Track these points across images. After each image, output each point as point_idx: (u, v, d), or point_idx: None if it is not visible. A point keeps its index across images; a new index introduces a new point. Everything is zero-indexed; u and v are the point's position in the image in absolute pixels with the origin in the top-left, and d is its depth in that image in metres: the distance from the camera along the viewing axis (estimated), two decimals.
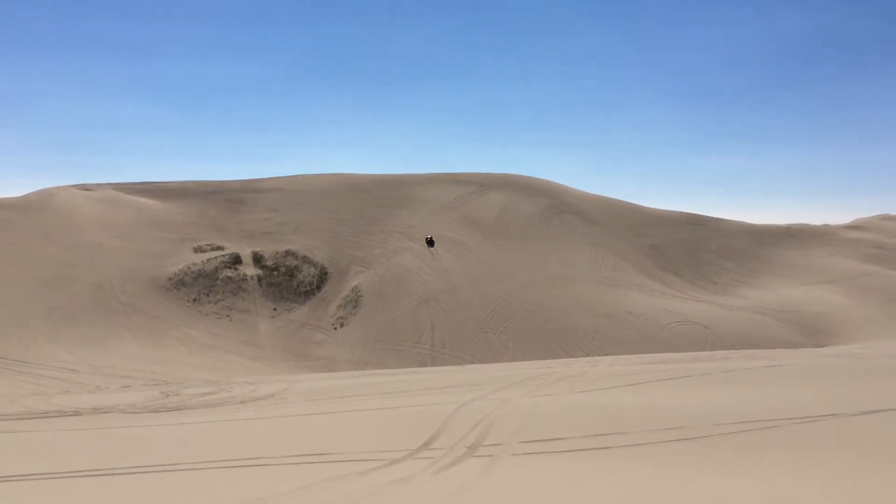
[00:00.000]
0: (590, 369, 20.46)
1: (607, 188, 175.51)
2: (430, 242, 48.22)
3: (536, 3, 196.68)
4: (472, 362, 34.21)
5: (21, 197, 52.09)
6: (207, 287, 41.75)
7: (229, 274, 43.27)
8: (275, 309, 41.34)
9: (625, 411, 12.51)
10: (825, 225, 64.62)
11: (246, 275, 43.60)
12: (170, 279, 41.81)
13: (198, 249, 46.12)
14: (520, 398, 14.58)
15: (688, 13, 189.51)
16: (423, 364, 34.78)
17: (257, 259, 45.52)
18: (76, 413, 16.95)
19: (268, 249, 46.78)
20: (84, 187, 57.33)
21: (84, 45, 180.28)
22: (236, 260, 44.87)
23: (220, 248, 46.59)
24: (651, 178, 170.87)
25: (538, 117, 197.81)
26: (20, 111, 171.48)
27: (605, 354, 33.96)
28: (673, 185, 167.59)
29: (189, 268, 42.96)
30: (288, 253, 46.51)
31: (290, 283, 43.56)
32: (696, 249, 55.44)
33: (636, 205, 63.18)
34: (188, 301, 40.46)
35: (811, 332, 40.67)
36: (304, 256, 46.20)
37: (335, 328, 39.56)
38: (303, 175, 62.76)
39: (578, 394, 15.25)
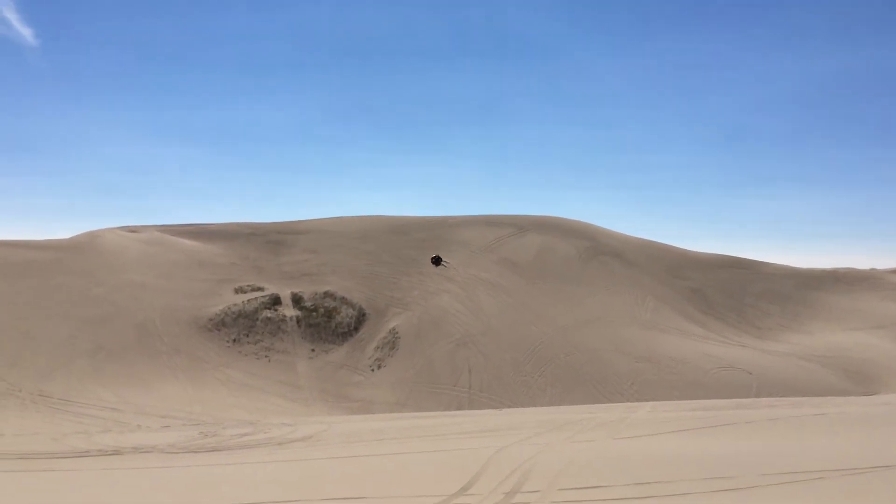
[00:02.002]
0: (630, 415, 20.09)
1: (646, 230, 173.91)
2: (437, 261, 48.54)
3: (570, 46, 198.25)
4: (509, 406, 33.84)
5: (70, 238, 53.55)
6: (247, 328, 42.17)
7: (269, 315, 43.69)
8: (313, 350, 41.52)
9: (667, 459, 12.22)
10: (872, 269, 63.08)
11: (285, 316, 43.97)
12: (211, 319, 42.35)
13: (238, 290, 46.74)
14: (559, 443, 14.36)
15: (725, 55, 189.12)
16: (460, 407, 34.50)
17: (296, 300, 45.93)
18: (117, 452, 17.14)
19: (307, 290, 47.19)
20: (130, 229, 58.76)
21: (130, 92, 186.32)
22: (276, 301, 45.33)
23: (260, 288, 47.15)
24: (690, 221, 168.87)
25: (575, 159, 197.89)
26: (70, 157, 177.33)
27: (645, 400, 33.34)
28: (713, 227, 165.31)
29: (230, 308, 43.50)
30: (326, 294, 46.85)
31: (328, 324, 43.79)
32: (739, 293, 54.46)
33: (675, 247, 62.51)
34: (228, 341, 40.88)
35: (859, 378, 39.47)
36: (343, 298, 46.48)
37: (373, 370, 39.54)
38: (341, 217, 63.53)
39: (619, 440, 14.97)
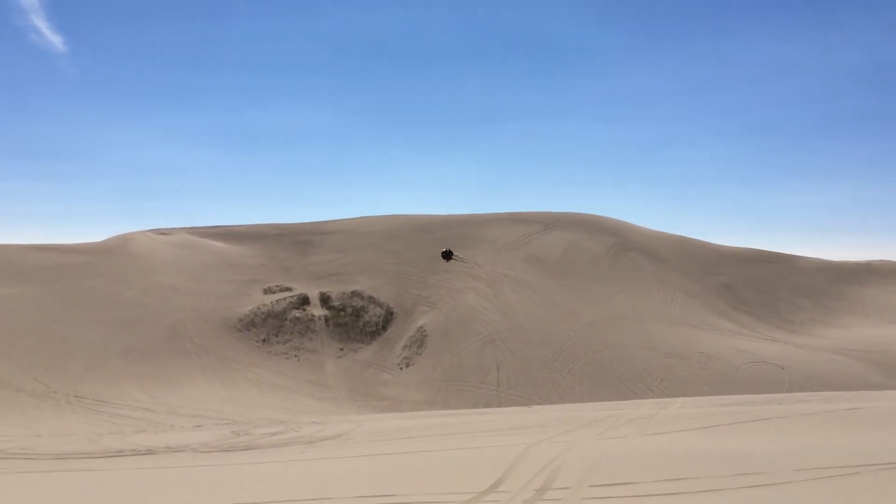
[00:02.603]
0: (660, 411, 19.93)
1: (675, 225, 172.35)
2: (448, 255, 48.87)
3: (593, 44, 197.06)
4: (538, 403, 33.75)
5: (101, 242, 54.42)
6: (276, 328, 42.54)
7: (297, 315, 44.03)
8: (341, 349, 41.77)
9: (698, 455, 12.11)
10: None
11: (313, 315, 44.28)
12: (240, 320, 42.79)
13: (267, 291, 47.16)
14: (588, 440, 14.29)
15: (750, 47, 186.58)
16: (488, 404, 34.48)
17: (324, 300, 46.23)
18: (150, 452, 17.39)
19: (334, 290, 47.48)
20: (160, 231, 59.56)
21: (159, 97, 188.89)
22: (304, 301, 45.66)
23: (288, 289, 47.53)
24: (720, 215, 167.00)
25: (602, 155, 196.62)
26: (101, 161, 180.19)
27: (675, 396, 33.05)
28: (743, 221, 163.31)
29: (259, 309, 43.91)
30: (354, 293, 47.10)
31: (356, 323, 44.02)
32: (770, 287, 53.76)
33: (705, 242, 61.88)
34: (258, 342, 41.27)
35: (895, 372, 38.74)
36: (370, 297, 46.69)
37: (401, 368, 39.67)
38: (368, 216, 63.81)
39: (649, 436, 14.86)
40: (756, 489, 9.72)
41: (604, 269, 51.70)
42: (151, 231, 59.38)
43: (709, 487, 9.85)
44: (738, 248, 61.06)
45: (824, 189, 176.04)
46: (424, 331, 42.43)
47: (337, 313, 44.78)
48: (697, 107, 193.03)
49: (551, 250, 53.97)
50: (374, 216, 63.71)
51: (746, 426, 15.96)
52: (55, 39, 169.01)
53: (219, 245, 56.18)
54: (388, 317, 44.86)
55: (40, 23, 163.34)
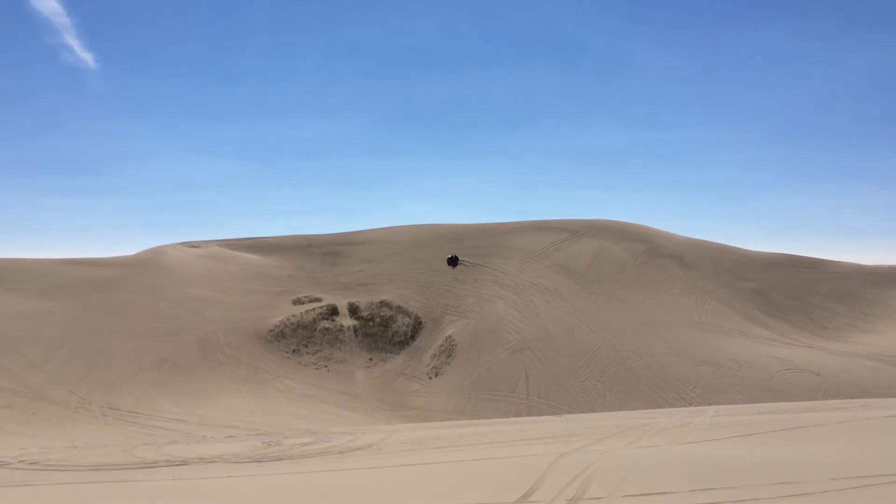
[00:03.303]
0: (694, 419, 19.69)
1: (704, 231, 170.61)
2: (453, 261, 49.05)
3: (619, 46, 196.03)
4: (568, 412, 33.52)
5: (133, 255, 55.24)
6: (306, 338, 42.80)
7: (326, 325, 44.26)
8: (370, 359, 41.88)
9: (734, 464, 11.94)
10: None
11: (342, 326, 44.48)
12: (270, 331, 43.12)
13: (296, 301, 47.51)
14: (621, 449, 14.16)
15: (782, 49, 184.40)
16: (518, 413, 34.33)
17: (353, 310, 46.43)
18: (184, 462, 17.55)
19: (363, 300, 47.69)
20: (191, 244, 60.34)
21: (188, 111, 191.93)
22: (333, 311, 45.90)
23: (317, 299, 47.83)
24: (751, 220, 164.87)
25: (630, 161, 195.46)
26: (132, 176, 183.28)
27: (708, 404, 32.64)
28: (775, 226, 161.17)
29: (288, 319, 44.22)
30: (383, 303, 47.25)
31: (385, 333, 44.13)
32: (804, 293, 52.93)
33: (735, 247, 61.13)
34: (288, 352, 41.54)
35: None
36: (399, 307, 46.80)
37: (430, 378, 39.67)
38: (395, 227, 64.06)
39: (683, 445, 14.68)
40: (793, 498, 9.55)
41: (633, 277, 51.30)
42: (183, 244, 60.18)
43: (745, 497, 9.70)
44: (769, 253, 60.24)
45: (857, 192, 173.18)
46: (453, 340, 42.40)
47: (366, 323, 44.94)
48: (726, 109, 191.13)
49: (579, 258, 53.69)
50: (401, 226, 63.96)
51: (782, 434, 15.71)
52: (86, 57, 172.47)
53: (249, 257, 56.75)
54: (417, 326, 44.92)
55: (72, 41, 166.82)
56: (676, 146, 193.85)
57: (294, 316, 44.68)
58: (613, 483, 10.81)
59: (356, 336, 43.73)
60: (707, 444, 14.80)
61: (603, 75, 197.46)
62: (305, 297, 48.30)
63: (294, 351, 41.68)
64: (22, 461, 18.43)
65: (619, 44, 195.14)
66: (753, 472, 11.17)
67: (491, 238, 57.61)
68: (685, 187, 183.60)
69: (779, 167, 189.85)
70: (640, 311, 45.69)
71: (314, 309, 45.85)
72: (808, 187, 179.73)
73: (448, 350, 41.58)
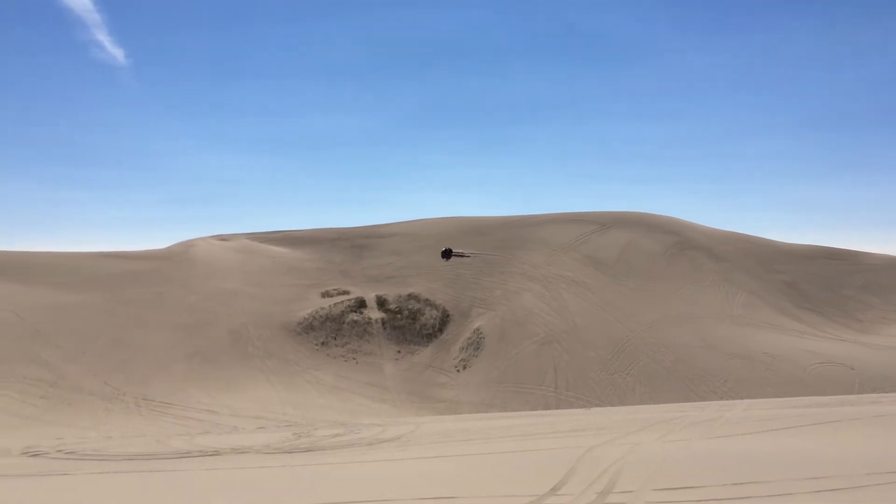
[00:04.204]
0: (725, 413, 19.52)
1: (734, 223, 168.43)
2: (447, 254, 49.25)
3: (646, 38, 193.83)
4: (597, 405, 33.40)
5: (165, 249, 56.00)
6: (335, 331, 43.08)
7: (355, 318, 44.50)
8: (399, 351, 42.05)
9: (766, 459, 11.82)
10: None
11: (371, 318, 44.70)
12: (299, 323, 43.47)
13: (325, 294, 47.82)
14: (650, 443, 14.09)
15: (814, 39, 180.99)
16: (547, 406, 34.27)
17: (381, 303, 46.63)
18: (216, 453, 17.81)
19: (391, 293, 47.86)
20: (221, 238, 60.98)
21: (216, 105, 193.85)
22: (361, 304, 46.14)
23: (346, 292, 48.10)
24: (782, 211, 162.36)
25: (659, 153, 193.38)
26: (162, 169, 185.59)
27: (739, 398, 32.31)
28: (806, 217, 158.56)
29: (317, 312, 44.54)
30: (410, 296, 47.39)
31: (413, 325, 44.27)
32: (837, 285, 52.09)
33: (767, 239, 60.31)
34: (317, 344, 41.86)
35: None
36: (427, 299, 46.90)
37: (458, 370, 39.73)
38: (422, 219, 64.13)
39: (714, 439, 14.56)
40: (828, 493, 9.44)
41: (662, 269, 50.87)
42: (213, 237, 60.86)
43: (778, 492, 9.60)
44: (801, 244, 59.38)
45: (893, 182, 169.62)
46: (481, 333, 42.41)
47: (394, 316, 45.12)
48: (758, 99, 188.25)
49: (608, 250, 53.35)
50: (429, 219, 64.01)
51: (816, 428, 15.51)
52: (116, 53, 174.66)
53: (278, 250, 57.22)
54: (445, 319, 44.99)
55: (102, 37, 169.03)
56: (706, 136, 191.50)
57: (323, 308, 45.00)
58: (643, 477, 10.77)
59: (384, 328, 43.93)
60: (738, 438, 14.66)
61: (631, 66, 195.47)
62: (334, 289, 48.61)
63: (323, 343, 41.99)
64: (59, 451, 18.84)
65: (646, 33, 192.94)
66: (786, 466, 11.05)
67: (518, 230, 57.45)
68: (715, 179, 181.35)
69: (812, 157, 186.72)
70: (670, 303, 45.31)
71: (343, 301, 46.12)
72: (841, 177, 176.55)
73: (476, 343, 41.60)
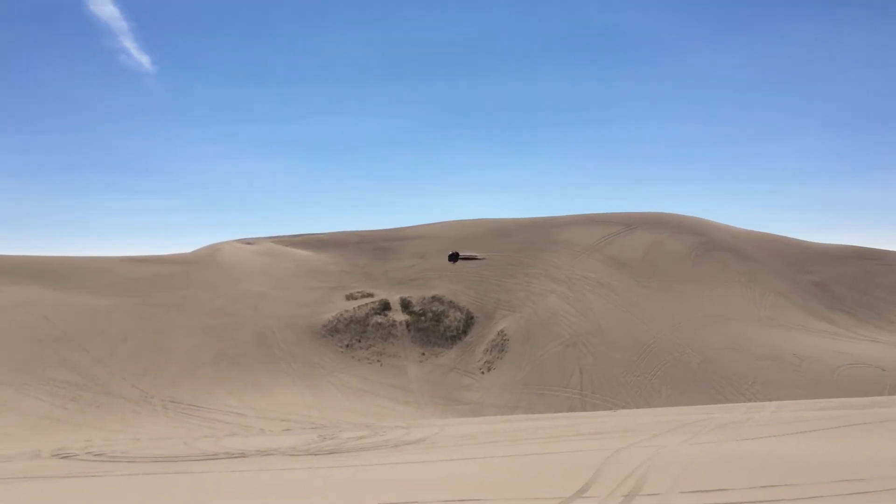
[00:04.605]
0: (753, 415, 19.28)
1: (762, 223, 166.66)
2: (454, 257, 49.38)
3: (670, 33, 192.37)
4: (623, 407, 33.16)
5: (191, 253, 56.61)
6: (359, 333, 43.23)
7: (379, 320, 44.62)
8: (423, 354, 42.09)
9: (795, 461, 11.65)
10: None
11: (395, 321, 44.80)
12: (324, 326, 43.68)
13: (349, 297, 48.02)
14: (677, 445, 13.95)
15: (843, 34, 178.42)
16: (572, 408, 34.10)
17: (405, 305, 46.71)
18: (242, 455, 17.93)
19: (415, 295, 47.93)
20: (246, 241, 61.52)
21: (241, 110, 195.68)
22: (385, 306, 46.25)
23: (370, 294, 48.26)
24: (811, 211, 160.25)
25: (684, 153, 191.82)
26: (189, 174, 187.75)
27: (768, 400, 31.90)
28: (836, 217, 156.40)
29: (342, 315, 44.73)
30: (434, 298, 47.41)
31: (437, 328, 44.29)
32: (868, 285, 51.26)
33: (795, 239, 59.56)
34: (341, 347, 42.03)
35: None
36: (450, 301, 46.90)
37: (482, 372, 39.67)
38: (446, 221, 64.19)
39: (742, 441, 14.39)
40: (858, 496, 9.28)
41: (688, 270, 50.43)
42: (238, 241, 61.42)
43: (807, 495, 9.45)
44: (830, 244, 58.55)
45: None
46: (505, 335, 42.32)
47: (418, 318, 45.18)
48: (784, 97, 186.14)
49: (633, 251, 53.00)
50: (452, 221, 64.06)
51: (846, 430, 15.26)
52: (143, 59, 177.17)
53: (302, 253, 57.58)
54: (469, 321, 44.96)
55: (129, 44, 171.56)
56: (733, 136, 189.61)
57: (347, 311, 45.18)
58: (670, 479, 10.66)
59: (408, 331, 43.99)
60: (767, 440, 14.47)
61: (655, 65, 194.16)
62: (358, 292, 48.79)
63: (347, 346, 42.15)
64: (88, 452, 19.08)
65: (670, 32, 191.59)
66: (815, 469, 10.89)
67: (542, 232, 57.27)
68: (742, 178, 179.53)
69: (841, 156, 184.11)
70: (696, 305, 44.89)
71: (367, 304, 46.27)
72: (872, 176, 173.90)
73: (500, 345, 41.51)
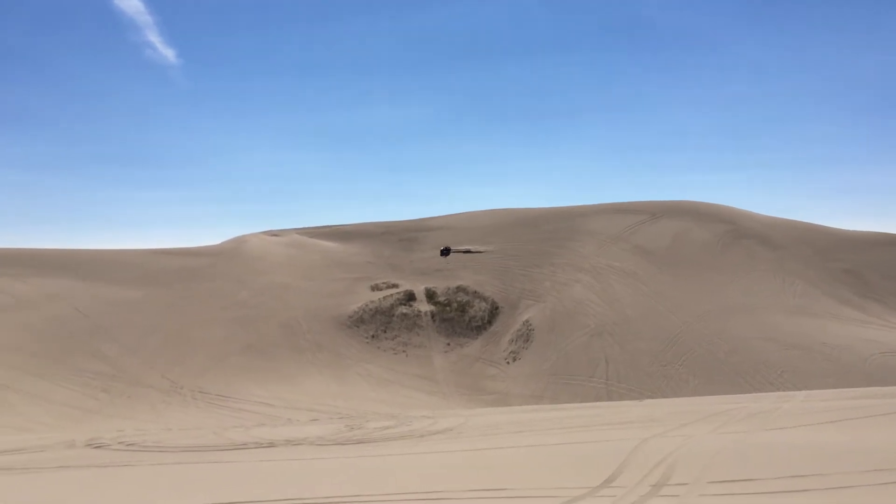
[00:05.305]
0: (782, 405, 19.09)
1: (790, 210, 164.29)
2: (446, 252, 49.48)
3: (693, 20, 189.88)
4: (649, 397, 32.99)
5: (218, 245, 57.15)
6: (384, 324, 43.42)
7: (404, 311, 44.77)
8: (448, 344, 42.17)
9: (825, 451, 11.52)
10: None
11: (420, 311, 44.92)
12: (350, 317, 43.92)
13: (375, 288, 48.22)
14: (705, 435, 13.86)
15: (873, 13, 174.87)
16: (598, 398, 34.00)
17: (430, 295, 46.81)
18: (271, 444, 18.12)
19: (440, 286, 48.00)
20: (272, 233, 61.99)
21: (265, 102, 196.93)
22: (410, 297, 46.39)
23: (395, 285, 48.42)
24: (841, 198, 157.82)
25: (710, 140, 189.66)
26: (214, 167, 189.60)
27: (797, 389, 31.55)
28: (867, 203, 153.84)
29: (367, 305, 44.94)
30: (459, 289, 47.44)
31: (462, 318, 44.34)
32: None
33: (825, 226, 58.69)
34: (367, 337, 42.25)
35: None
36: (475, 291, 46.90)
37: (508, 362, 39.67)
38: (471, 212, 64.15)
39: (771, 431, 14.26)
40: (889, 486, 9.16)
41: (715, 258, 49.94)
42: (264, 233, 61.92)
43: (838, 485, 9.35)
44: (860, 231, 57.63)
45: None
46: (530, 324, 42.25)
47: (443, 308, 45.26)
48: (813, 80, 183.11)
49: (659, 240, 52.59)
50: (476, 211, 64.02)
51: (878, 420, 15.06)
52: (168, 53, 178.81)
53: (327, 244, 57.90)
54: (494, 311, 44.94)
55: (154, 38, 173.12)
56: (759, 122, 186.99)
57: (372, 302, 45.38)
58: (698, 469, 10.60)
59: (433, 321, 44.09)
60: (796, 429, 14.33)
61: (681, 53, 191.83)
62: (383, 283, 48.98)
63: (373, 336, 42.36)
64: (120, 442, 19.41)
65: (696, 21, 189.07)
66: (846, 458, 10.76)
67: (568, 221, 57.02)
68: (769, 165, 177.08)
69: (872, 140, 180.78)
70: (724, 293, 44.47)
71: (392, 295, 46.44)
72: None
73: (525, 335, 41.47)
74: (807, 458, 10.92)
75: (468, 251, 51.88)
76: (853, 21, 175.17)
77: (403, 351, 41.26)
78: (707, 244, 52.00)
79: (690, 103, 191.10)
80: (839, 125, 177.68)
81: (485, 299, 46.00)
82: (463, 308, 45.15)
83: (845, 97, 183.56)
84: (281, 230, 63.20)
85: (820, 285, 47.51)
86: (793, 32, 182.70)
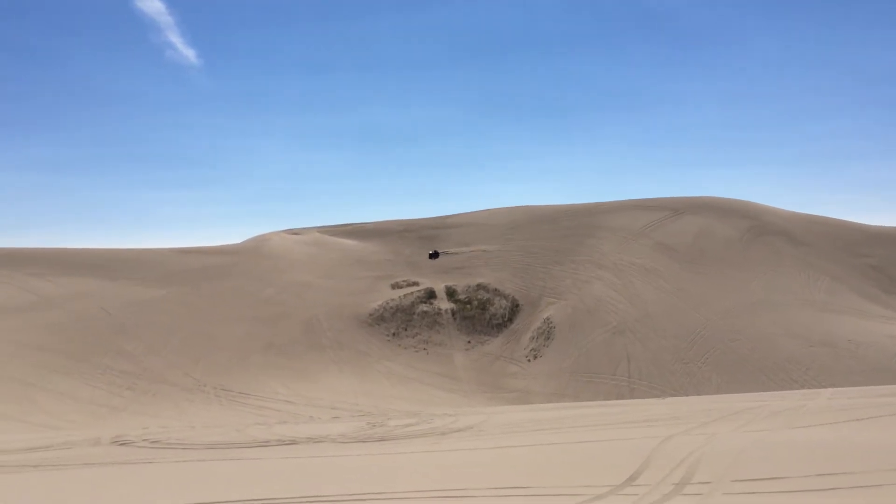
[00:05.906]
0: (807, 402, 18.86)
1: (815, 206, 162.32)
2: (434, 255, 49.63)
3: (717, 16, 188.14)
4: (672, 394, 32.77)
5: (240, 244, 57.55)
6: (405, 322, 43.49)
7: (425, 308, 44.82)
8: (469, 342, 42.16)
9: (851, 449, 11.36)
10: None
11: (440, 309, 44.95)
12: (371, 315, 44.05)
13: (395, 286, 48.32)
14: (729, 433, 13.72)
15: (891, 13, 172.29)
16: (620, 396, 33.82)
17: (450, 293, 46.81)
18: (293, 442, 18.21)
19: (460, 284, 47.99)
20: (293, 232, 62.31)
21: (286, 102, 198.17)
22: (431, 295, 46.42)
23: (415, 283, 48.48)
24: (867, 192, 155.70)
25: (732, 137, 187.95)
26: (235, 166, 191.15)
27: (822, 387, 31.18)
28: (892, 198, 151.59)
29: (388, 303, 45.05)
30: (479, 286, 47.41)
31: (482, 315, 44.30)
32: None
33: (851, 222, 57.90)
34: (388, 335, 42.35)
35: None
36: (496, 289, 46.84)
37: (529, 360, 39.58)
38: (491, 209, 64.04)
39: (796, 429, 14.09)
40: None
41: (738, 255, 49.45)
42: (285, 231, 62.27)
43: (865, 483, 9.22)
44: (887, 227, 56.77)
45: None
46: (551, 322, 42.12)
47: (463, 306, 45.25)
48: (838, 75, 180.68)
49: (681, 236, 52.18)
50: (496, 208, 63.91)
51: None
52: (188, 53, 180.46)
53: (348, 242, 58.09)
54: (514, 309, 44.86)
55: (175, 39, 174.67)
56: (781, 118, 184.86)
57: (393, 300, 45.49)
58: (722, 467, 10.50)
59: (454, 319, 44.11)
60: (821, 427, 14.15)
61: (702, 49, 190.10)
62: (404, 281, 49.07)
63: (394, 334, 42.46)
64: (145, 440, 19.61)
65: (718, 16, 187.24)
66: (874, 457, 10.60)
67: (588, 218, 56.75)
68: (792, 161, 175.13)
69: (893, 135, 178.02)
70: (747, 290, 44.03)
71: (412, 293, 46.52)
72: None
73: (546, 332, 41.35)
74: (832, 457, 10.77)
75: (457, 253, 52.20)
76: (882, 15, 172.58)
77: (424, 349, 41.32)
78: (730, 240, 51.52)
79: (710, 98, 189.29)
80: (865, 121, 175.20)
81: (505, 297, 45.93)
82: (483, 306, 45.11)
83: (871, 94, 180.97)
84: (302, 228, 63.52)
85: (846, 281, 46.92)
86: (814, 26, 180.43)
